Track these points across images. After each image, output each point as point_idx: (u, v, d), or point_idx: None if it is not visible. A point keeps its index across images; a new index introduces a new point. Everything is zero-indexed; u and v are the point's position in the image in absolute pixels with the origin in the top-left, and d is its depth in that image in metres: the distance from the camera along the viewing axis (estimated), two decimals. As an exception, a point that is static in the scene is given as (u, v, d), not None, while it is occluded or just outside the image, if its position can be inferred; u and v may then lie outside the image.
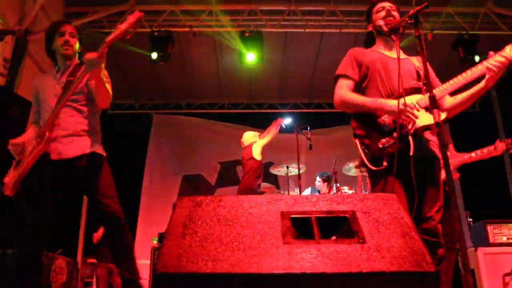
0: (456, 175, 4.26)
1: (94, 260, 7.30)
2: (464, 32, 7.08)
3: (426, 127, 2.49)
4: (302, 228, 1.49)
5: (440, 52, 7.18)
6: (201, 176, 9.77)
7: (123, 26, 2.76)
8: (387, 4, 2.83)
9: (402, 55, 2.79)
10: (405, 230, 1.39)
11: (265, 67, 7.87)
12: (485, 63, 2.46)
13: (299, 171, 6.39)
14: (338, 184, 6.49)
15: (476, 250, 4.53)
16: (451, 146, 4.31)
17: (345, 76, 2.77)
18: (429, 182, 2.51)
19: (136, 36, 7.28)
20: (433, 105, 2.08)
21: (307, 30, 7.24)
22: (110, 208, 2.89)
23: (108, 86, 2.92)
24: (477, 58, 6.80)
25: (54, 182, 2.89)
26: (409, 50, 2.94)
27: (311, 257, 1.30)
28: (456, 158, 4.19)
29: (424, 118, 2.46)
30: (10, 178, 2.89)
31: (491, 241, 4.63)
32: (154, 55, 7.03)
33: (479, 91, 2.57)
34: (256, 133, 6.59)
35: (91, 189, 2.93)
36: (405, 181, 2.42)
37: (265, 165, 6.84)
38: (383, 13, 2.80)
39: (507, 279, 4.36)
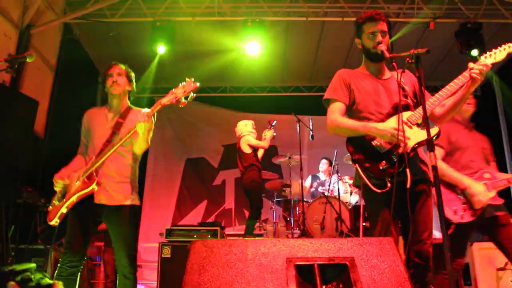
0: (499, 200, 3.47)
1: (101, 244, 7.51)
2: (468, 20, 7.05)
3: (420, 143, 2.61)
4: (306, 272, 1.63)
5: (442, 41, 7.20)
6: (204, 159, 9.89)
7: (178, 94, 2.93)
8: (379, 30, 2.78)
9: (388, 74, 2.92)
10: (399, 281, 1.53)
11: (267, 54, 7.87)
12: (469, 72, 2.63)
13: (301, 162, 6.52)
14: (339, 174, 6.66)
15: (471, 245, 4.69)
16: (493, 165, 3.74)
17: (336, 100, 2.85)
18: (422, 205, 2.64)
19: (138, 25, 7.34)
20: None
21: (309, 19, 7.22)
22: (129, 266, 3.05)
23: (147, 137, 3.06)
24: (474, 52, 6.79)
25: (89, 222, 3.09)
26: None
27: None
28: (500, 180, 3.51)
29: (417, 135, 2.60)
30: (55, 209, 3.05)
31: (486, 236, 4.77)
32: (162, 49, 7.00)
33: (464, 97, 2.72)
34: (249, 122, 6.62)
35: (118, 237, 3.08)
36: (399, 204, 2.52)
37: (268, 153, 6.98)
38: (373, 43, 2.78)
39: (501, 273, 4.53)
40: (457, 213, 3.37)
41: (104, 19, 7.14)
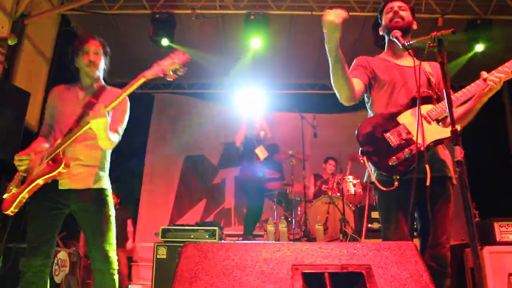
0: None
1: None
2: (477, 16, 6.84)
3: (438, 141, 2.36)
4: (314, 282, 1.40)
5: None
6: (203, 157, 9.68)
7: (166, 66, 2.61)
8: (396, 4, 2.64)
9: (411, 62, 2.66)
10: (425, 294, 1.31)
11: (269, 50, 7.65)
12: (490, 77, 2.39)
13: (303, 160, 6.30)
14: (341, 171, 6.45)
15: (482, 248, 4.47)
16: None
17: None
18: (441, 206, 2.41)
19: (137, 18, 7.13)
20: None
21: (314, 13, 7.00)
22: (103, 259, 2.72)
23: (105, 135, 2.72)
24: (479, 47, 6.62)
25: (55, 209, 2.76)
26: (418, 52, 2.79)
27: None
28: None
29: (435, 131, 2.35)
30: (12, 197, 2.72)
31: (497, 239, 4.55)
32: (165, 42, 6.77)
33: (475, 106, 2.49)
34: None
35: (87, 225, 2.79)
36: (414, 204, 2.31)
37: (270, 151, 6.79)
38: (390, 15, 2.63)
39: (513, 278, 4.31)
40: None
41: (101, 10, 6.93)
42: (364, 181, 2.69)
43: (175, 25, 6.99)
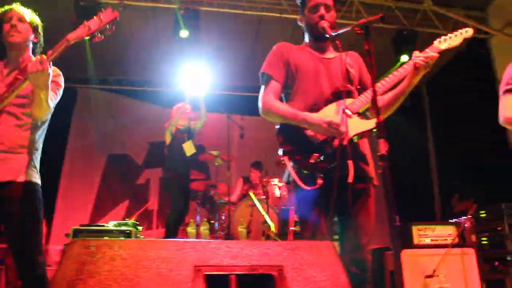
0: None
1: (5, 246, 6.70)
2: (404, 27, 7.07)
3: (361, 135, 2.27)
4: (219, 285, 1.23)
5: (378, 45, 7.13)
6: (128, 156, 9.29)
7: (92, 25, 2.35)
8: (322, 2, 2.47)
9: (332, 54, 2.58)
10: (341, 298, 1.17)
11: (198, 48, 7.42)
12: (415, 59, 2.37)
13: (228, 161, 6.15)
14: (267, 173, 6.36)
15: (400, 251, 4.53)
16: None
17: (272, 78, 2.49)
18: (363, 205, 2.32)
19: (61, 2, 6.62)
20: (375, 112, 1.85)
21: (246, 13, 6.88)
22: (32, 258, 2.38)
23: (45, 96, 2.40)
24: (405, 58, 6.87)
25: None
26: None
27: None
28: None
29: (357, 125, 2.26)
30: None
31: (415, 242, 4.65)
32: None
33: (404, 90, 2.43)
34: None
35: (12, 223, 2.42)
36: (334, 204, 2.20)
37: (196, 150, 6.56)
38: (320, 12, 2.45)
39: (428, 281, 4.40)
40: None
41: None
42: (285, 181, 2.52)
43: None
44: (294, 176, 2.26)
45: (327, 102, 2.34)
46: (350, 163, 2.08)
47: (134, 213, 8.55)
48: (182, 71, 6.88)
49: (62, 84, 2.72)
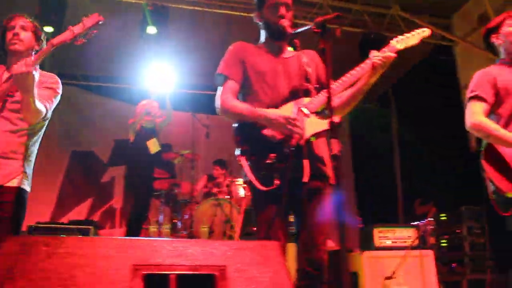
0: None
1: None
2: (371, 31, 7.14)
3: (317, 135, 2.27)
4: (159, 285, 1.19)
5: (346, 49, 7.19)
6: (93, 152, 9.08)
7: (76, 29, 2.35)
8: (282, 1, 2.44)
9: (289, 53, 2.57)
10: (282, 300, 1.15)
11: (165, 46, 7.32)
12: (373, 58, 2.35)
13: (193, 160, 6.09)
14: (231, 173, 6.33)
15: (361, 253, 4.58)
16: None
17: (228, 78, 2.47)
18: (319, 204, 2.31)
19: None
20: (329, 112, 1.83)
21: (216, 11, 6.81)
22: None
23: (32, 99, 2.35)
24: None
25: None
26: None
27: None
28: None
29: (314, 125, 2.26)
30: None
31: (376, 245, 4.70)
32: (49, 29, 6.10)
33: (362, 89, 2.40)
34: None
35: None
36: (290, 203, 2.19)
37: (162, 151, 6.48)
38: (280, 12, 2.42)
39: (387, 282, 4.46)
40: None
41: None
42: (243, 180, 2.50)
43: (66, 8, 6.37)
44: (250, 176, 2.23)
45: (285, 101, 2.32)
46: (306, 162, 2.07)
47: (97, 211, 8.41)
48: (148, 69, 6.76)
49: (60, 91, 2.73)
